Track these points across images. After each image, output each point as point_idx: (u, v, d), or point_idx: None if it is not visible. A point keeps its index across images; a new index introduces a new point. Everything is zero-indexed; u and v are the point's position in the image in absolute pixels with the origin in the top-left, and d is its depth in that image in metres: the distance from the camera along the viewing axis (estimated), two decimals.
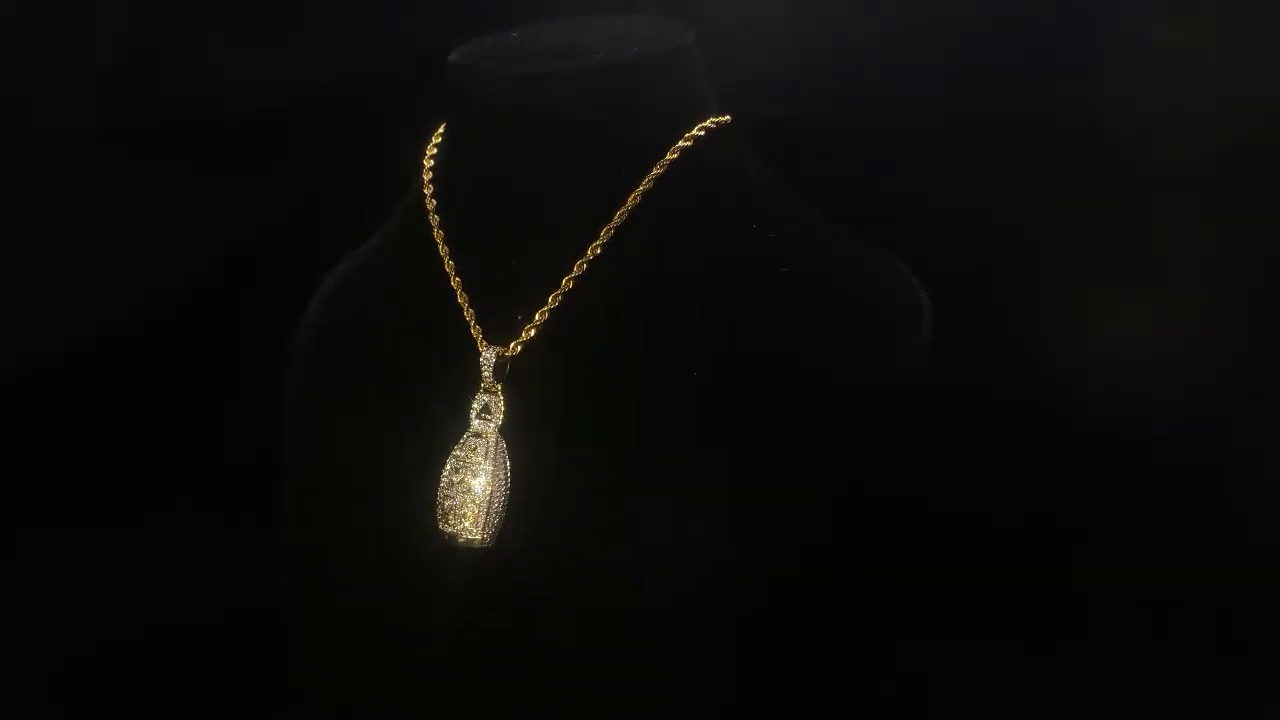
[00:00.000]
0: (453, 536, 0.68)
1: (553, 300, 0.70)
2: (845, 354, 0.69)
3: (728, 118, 0.76)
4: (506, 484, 0.68)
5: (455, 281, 0.73)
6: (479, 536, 0.68)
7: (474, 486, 0.68)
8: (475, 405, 0.70)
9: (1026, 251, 0.93)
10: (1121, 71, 0.90)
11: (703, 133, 0.74)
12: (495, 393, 0.70)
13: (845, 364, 0.69)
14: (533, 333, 0.70)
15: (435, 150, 0.79)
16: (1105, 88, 0.91)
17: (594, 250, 0.71)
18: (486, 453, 0.68)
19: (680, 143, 0.73)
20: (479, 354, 0.70)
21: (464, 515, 0.68)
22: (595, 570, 0.66)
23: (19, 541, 1.04)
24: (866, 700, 0.85)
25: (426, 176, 0.77)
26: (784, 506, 0.67)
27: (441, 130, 0.79)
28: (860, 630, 0.78)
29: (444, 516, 0.68)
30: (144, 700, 1.04)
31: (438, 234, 0.75)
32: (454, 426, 0.70)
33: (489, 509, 0.68)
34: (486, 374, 0.70)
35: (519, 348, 0.70)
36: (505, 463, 0.68)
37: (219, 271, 1.04)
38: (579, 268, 0.71)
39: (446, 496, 0.68)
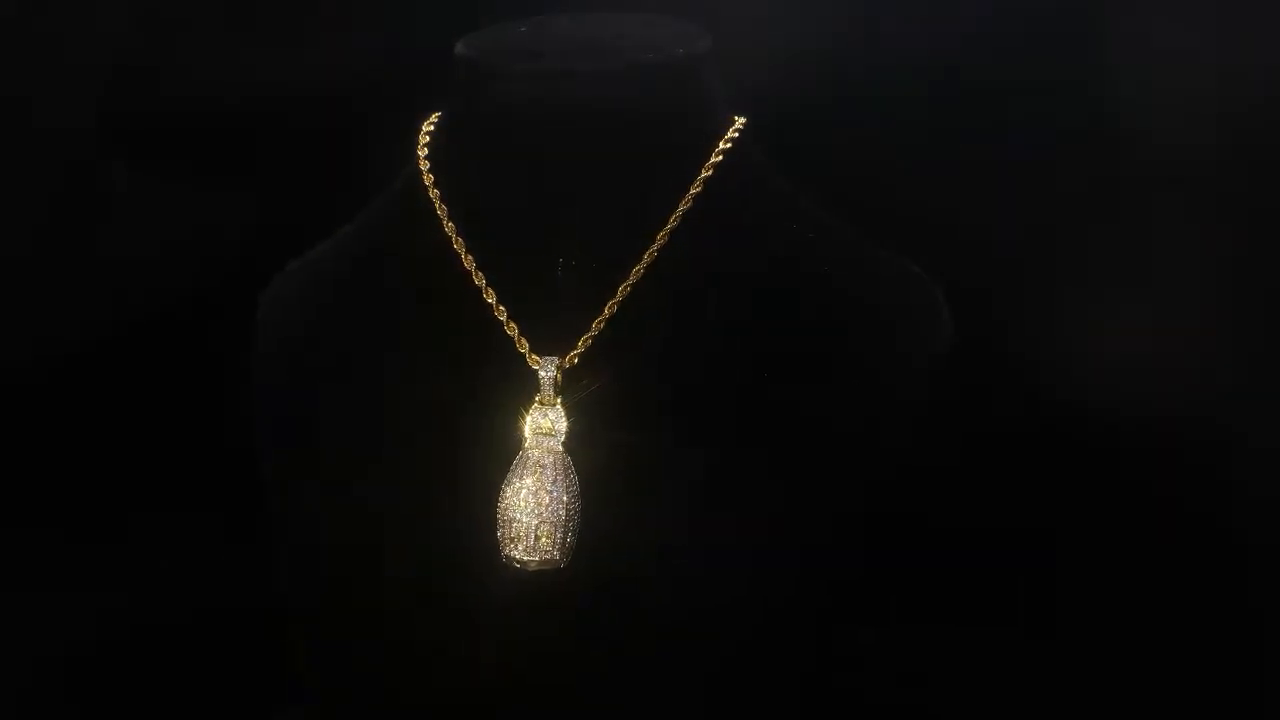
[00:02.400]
0: (511, 559, 0.64)
1: (609, 309, 0.67)
2: (883, 354, 0.69)
3: (745, 120, 0.74)
4: (578, 502, 0.64)
5: (490, 294, 0.69)
6: (555, 557, 0.63)
7: (545, 506, 0.63)
8: (530, 419, 0.65)
9: (1027, 252, 0.93)
10: (1121, 72, 0.90)
11: (737, 134, 0.72)
12: (554, 406, 0.65)
13: (883, 364, 0.69)
14: (590, 342, 0.67)
15: (427, 147, 0.75)
16: (1105, 88, 0.91)
17: (650, 255, 0.68)
18: (554, 470, 0.64)
19: (721, 145, 0.71)
20: (529, 366, 0.66)
21: (538, 536, 0.63)
22: (672, 581, 0.64)
23: (17, 540, 1.03)
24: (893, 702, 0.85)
25: (428, 180, 0.73)
26: (839, 507, 0.67)
27: (432, 125, 0.76)
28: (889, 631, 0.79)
29: (513, 540, 0.64)
30: (143, 700, 1.04)
31: (458, 242, 0.70)
32: (502, 440, 0.66)
33: (565, 529, 0.63)
34: (546, 388, 0.65)
35: (576, 359, 0.67)
36: (575, 480, 0.64)
37: (218, 270, 1.04)
38: (635, 274, 0.68)
39: (512, 519, 0.64)
